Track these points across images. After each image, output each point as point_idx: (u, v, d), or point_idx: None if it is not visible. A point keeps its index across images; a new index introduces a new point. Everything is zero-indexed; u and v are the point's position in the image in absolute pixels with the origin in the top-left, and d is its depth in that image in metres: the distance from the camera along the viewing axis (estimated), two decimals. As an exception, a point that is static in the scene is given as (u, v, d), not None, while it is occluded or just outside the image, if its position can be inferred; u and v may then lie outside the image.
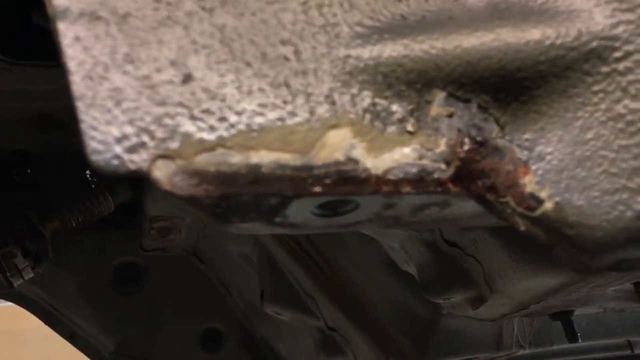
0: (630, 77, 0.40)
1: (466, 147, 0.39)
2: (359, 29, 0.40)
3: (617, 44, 0.40)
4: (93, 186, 1.70)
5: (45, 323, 1.86)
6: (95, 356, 1.86)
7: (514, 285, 0.90)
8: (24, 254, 1.64)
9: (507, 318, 1.07)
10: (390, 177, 0.37)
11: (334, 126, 0.37)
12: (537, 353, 1.59)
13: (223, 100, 0.36)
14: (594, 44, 0.40)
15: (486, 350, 1.47)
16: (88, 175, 1.74)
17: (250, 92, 0.37)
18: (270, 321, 1.78)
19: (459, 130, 0.40)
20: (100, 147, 0.33)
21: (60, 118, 1.53)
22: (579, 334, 1.14)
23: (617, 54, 0.40)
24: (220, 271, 1.80)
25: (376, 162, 0.37)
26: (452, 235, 0.91)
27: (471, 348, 1.45)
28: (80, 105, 0.33)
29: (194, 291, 1.82)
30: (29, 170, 1.84)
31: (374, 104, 0.39)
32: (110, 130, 0.33)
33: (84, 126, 0.33)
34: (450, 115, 0.40)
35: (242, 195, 0.34)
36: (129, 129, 0.34)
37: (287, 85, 0.37)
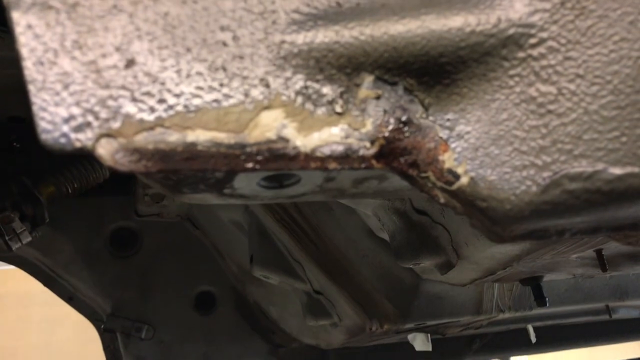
0: (543, 62, 0.43)
1: (391, 127, 0.43)
2: (295, 15, 0.43)
3: (532, 31, 0.43)
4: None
5: (45, 285, 1.93)
6: (92, 317, 1.93)
7: (479, 252, 0.94)
8: (22, 218, 1.69)
9: (477, 283, 1.12)
10: (318, 154, 0.41)
11: (267, 107, 0.41)
12: (516, 317, 1.64)
13: (163, 83, 0.39)
14: (512, 31, 0.43)
15: (467, 314, 1.52)
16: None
17: (188, 76, 0.40)
18: (261, 285, 1.84)
19: (385, 111, 0.43)
20: (49, 126, 0.37)
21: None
22: (546, 299, 1.18)
23: (533, 41, 0.43)
24: (213, 236, 1.86)
25: (305, 141, 0.41)
26: (422, 203, 0.95)
27: (452, 312, 1.50)
28: (31, 89, 0.37)
29: (187, 256, 1.88)
30: (24, 135, 1.88)
31: (306, 87, 0.42)
32: (59, 111, 0.37)
33: (35, 108, 0.37)
34: (378, 97, 0.43)
35: (179, 170, 0.38)
36: (75, 110, 0.37)
37: (224, 69, 0.41)
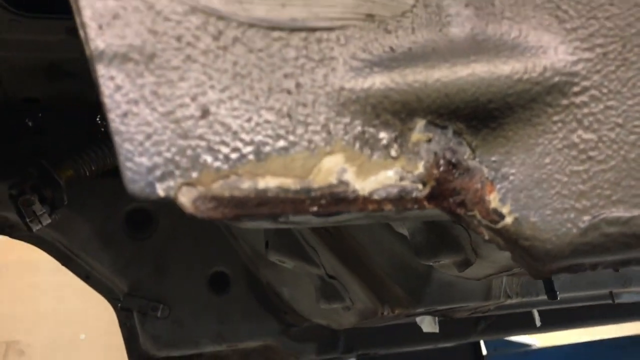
0: (585, 110, 0.46)
1: (441, 169, 0.46)
2: (353, 62, 0.46)
3: (576, 80, 0.46)
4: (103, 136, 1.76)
5: (62, 264, 1.97)
6: (109, 296, 1.98)
7: (498, 251, 0.98)
8: (41, 201, 1.72)
9: (491, 278, 1.16)
10: (375, 197, 0.44)
11: (328, 153, 0.44)
12: (523, 302, 1.69)
13: (235, 132, 0.42)
14: (557, 79, 0.46)
15: (476, 299, 1.57)
16: (99, 123, 1.80)
17: (258, 124, 0.43)
18: (274, 267, 1.89)
19: (436, 153, 0.46)
20: (135, 176, 0.40)
21: (68, 68, 1.58)
22: (557, 293, 1.23)
23: (576, 89, 0.46)
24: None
25: (363, 184, 0.44)
26: (443, 204, 0.98)
27: (462, 298, 1.55)
28: (117, 140, 0.40)
29: (201, 237, 1.92)
30: (40, 115, 1.89)
31: (363, 132, 0.45)
32: (142, 161, 0.40)
33: (121, 158, 0.40)
34: (429, 141, 0.47)
35: (252, 215, 0.41)
36: (158, 160, 0.41)
37: (290, 117, 0.44)
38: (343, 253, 1.55)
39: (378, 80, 0.46)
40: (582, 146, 0.46)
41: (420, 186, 0.45)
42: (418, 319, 1.81)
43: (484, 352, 3.13)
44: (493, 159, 0.47)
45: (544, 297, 1.67)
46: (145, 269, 1.88)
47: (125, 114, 0.41)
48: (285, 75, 0.45)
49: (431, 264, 1.08)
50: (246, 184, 0.41)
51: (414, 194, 0.45)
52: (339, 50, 0.46)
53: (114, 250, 1.89)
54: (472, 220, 0.47)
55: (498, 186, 0.47)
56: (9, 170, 1.72)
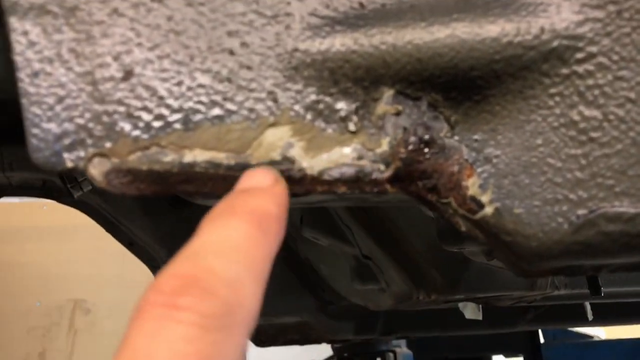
0: (590, 81, 0.38)
1: (410, 147, 0.39)
2: (312, 19, 0.39)
3: (580, 44, 0.38)
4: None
5: (107, 230, 2.00)
6: (149, 263, 1.99)
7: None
8: (83, 167, 1.73)
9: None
10: (326, 177, 0.38)
11: (273, 124, 0.38)
12: (573, 294, 1.58)
13: (162, 97, 0.37)
14: (556, 43, 0.38)
15: (519, 289, 1.48)
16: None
17: (190, 89, 0.37)
18: (313, 243, 1.84)
19: (405, 129, 0.39)
20: (40, 144, 0.35)
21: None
22: (601, 289, 1.12)
23: (580, 55, 0.38)
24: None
25: (312, 162, 0.38)
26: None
27: (503, 286, 1.47)
28: (24, 102, 0.35)
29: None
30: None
31: (317, 102, 0.39)
32: (51, 127, 0.35)
33: (27, 123, 0.35)
34: (398, 114, 0.39)
35: (174, 192, 0.36)
36: (68, 127, 0.36)
37: (230, 81, 0.38)
38: (378, 234, 1.49)
39: (338, 41, 0.39)
40: (582, 125, 0.37)
41: (382, 166, 0.38)
42: (460, 305, 1.74)
43: (542, 340, 3.02)
44: (475, 137, 0.39)
45: (595, 289, 1.56)
46: (184, 239, 1.88)
47: (36, 74, 0.36)
48: (229, 33, 0.38)
49: (456, 250, 1.00)
50: (169, 157, 0.36)
51: (374, 176, 0.38)
52: (296, 5, 0.39)
53: (156, 218, 1.90)
54: (445, 209, 0.39)
55: (479, 170, 0.39)
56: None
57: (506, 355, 3.14)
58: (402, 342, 2.66)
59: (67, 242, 4.79)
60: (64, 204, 2.03)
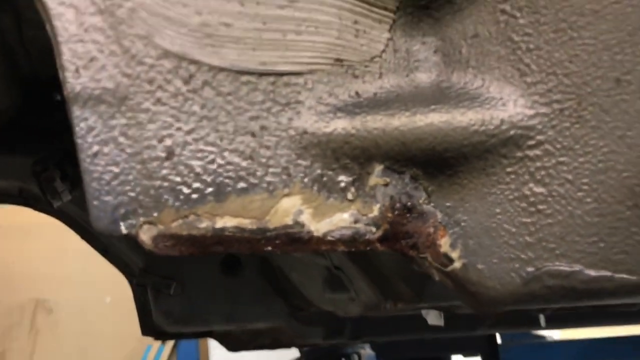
0: (538, 163, 0.48)
1: (396, 212, 0.49)
2: (318, 106, 0.49)
3: (532, 134, 0.48)
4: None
5: (82, 237, 2.04)
6: (125, 270, 2.04)
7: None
8: (63, 178, 1.78)
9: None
10: (329, 238, 0.47)
11: (287, 195, 0.47)
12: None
13: (198, 174, 0.45)
14: (512, 132, 0.48)
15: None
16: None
17: (220, 166, 0.46)
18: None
19: (392, 197, 0.49)
20: (100, 214, 0.43)
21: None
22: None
23: (531, 142, 0.48)
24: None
25: (318, 226, 0.47)
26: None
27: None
28: (86, 179, 0.43)
29: (216, 220, 1.95)
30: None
31: (322, 175, 0.48)
32: (108, 200, 0.44)
33: (88, 196, 0.43)
34: (386, 185, 0.49)
35: (210, 253, 0.45)
36: (123, 199, 0.44)
37: (252, 159, 0.47)
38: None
39: (340, 126, 0.48)
40: (532, 199, 0.48)
41: (373, 229, 0.48)
42: (424, 312, 1.83)
43: (499, 341, 3.14)
44: (448, 204, 0.49)
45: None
46: (160, 247, 1.94)
47: (95, 154, 0.44)
48: (251, 118, 0.47)
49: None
50: (204, 224, 0.45)
51: (367, 236, 0.48)
52: (305, 95, 0.48)
53: (132, 227, 1.95)
54: (423, 262, 0.49)
55: (450, 231, 0.49)
56: (35, 145, 1.78)
57: (465, 355, 3.24)
58: (366, 345, 2.76)
59: (29, 241, 4.76)
60: (41, 211, 2.07)
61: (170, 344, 4.70)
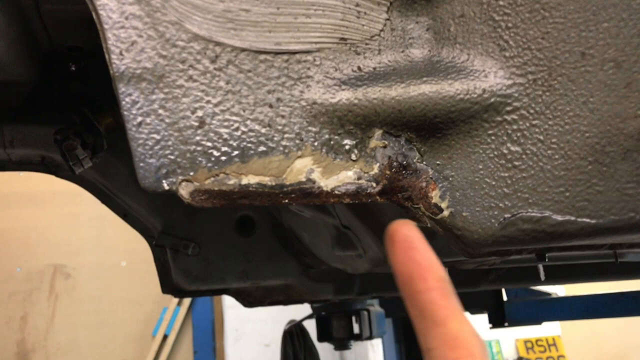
0: (515, 126, 0.56)
1: (393, 170, 0.57)
2: (325, 80, 0.57)
3: (509, 101, 0.56)
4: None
5: (102, 202, 2.15)
6: (145, 233, 2.15)
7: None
8: (83, 146, 1.88)
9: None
10: (336, 192, 0.56)
11: (300, 156, 0.55)
12: (526, 258, 1.79)
13: (225, 139, 0.54)
14: (493, 99, 0.56)
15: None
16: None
17: (244, 133, 0.55)
18: (295, 214, 2.02)
19: (390, 157, 0.57)
20: (146, 174, 0.52)
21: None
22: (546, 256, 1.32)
23: (508, 108, 0.56)
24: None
25: (327, 182, 0.55)
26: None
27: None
28: (133, 145, 0.52)
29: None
30: (82, 62, 2.02)
31: (329, 139, 0.56)
32: (152, 162, 0.52)
33: (135, 160, 0.52)
34: (385, 147, 0.57)
35: (236, 205, 0.53)
36: (164, 161, 0.53)
37: (270, 126, 0.55)
38: (357, 206, 1.67)
39: (345, 97, 0.56)
40: (509, 156, 0.56)
41: (374, 184, 0.56)
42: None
43: (505, 298, 3.24)
44: (437, 162, 0.58)
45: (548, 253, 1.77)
46: (178, 210, 2.04)
47: (139, 124, 0.53)
48: (269, 92, 0.56)
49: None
50: (232, 181, 0.53)
51: (369, 190, 0.56)
52: (314, 70, 0.56)
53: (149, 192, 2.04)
54: (416, 212, 0.58)
55: (439, 185, 0.57)
56: (54, 116, 1.87)
57: (472, 312, 3.34)
58: (375, 302, 2.87)
59: (45, 208, 4.90)
60: (62, 178, 2.17)
61: (185, 306, 4.87)
